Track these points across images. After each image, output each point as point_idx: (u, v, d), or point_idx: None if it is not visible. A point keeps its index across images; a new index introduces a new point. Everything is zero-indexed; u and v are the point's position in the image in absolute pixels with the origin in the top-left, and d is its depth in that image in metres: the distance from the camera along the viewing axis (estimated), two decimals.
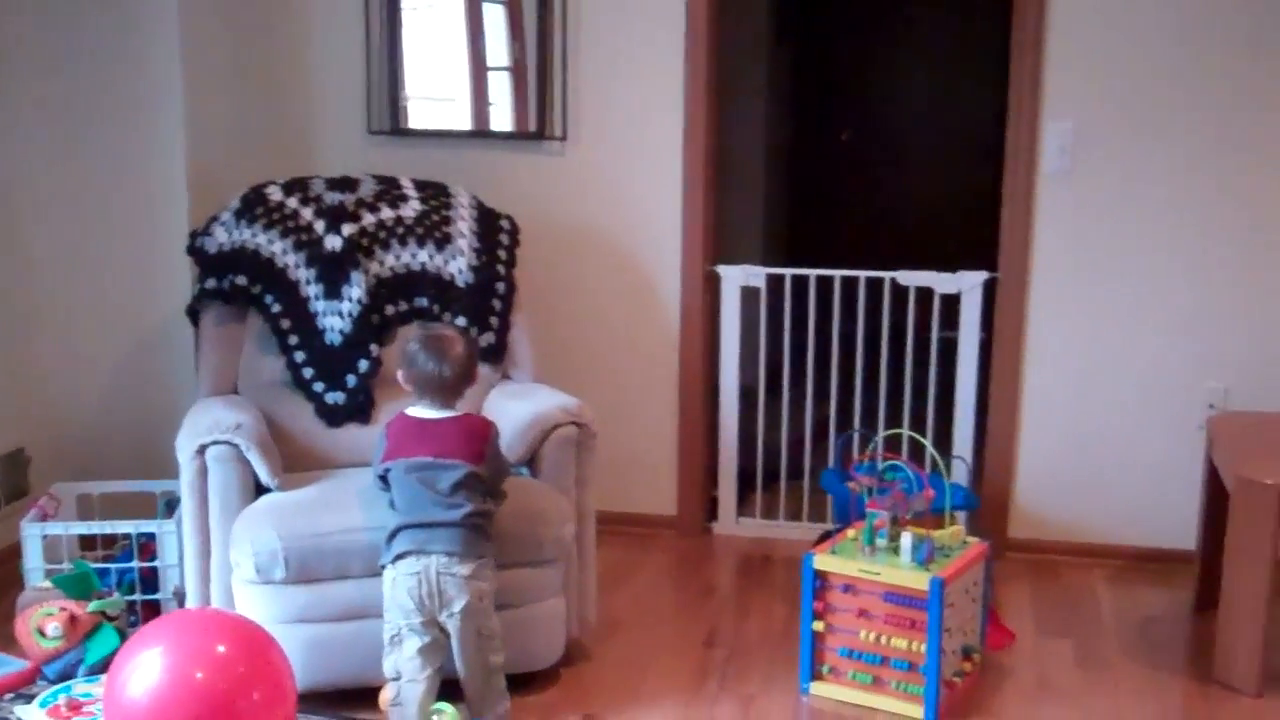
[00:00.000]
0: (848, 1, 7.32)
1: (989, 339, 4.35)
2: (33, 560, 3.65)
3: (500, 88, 4.58)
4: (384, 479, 3.21)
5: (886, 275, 4.42)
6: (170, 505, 3.79)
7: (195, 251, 3.85)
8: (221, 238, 3.80)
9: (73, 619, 3.39)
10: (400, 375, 3.28)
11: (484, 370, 3.80)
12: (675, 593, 4.21)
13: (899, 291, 4.41)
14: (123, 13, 4.02)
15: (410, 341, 3.27)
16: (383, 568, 3.12)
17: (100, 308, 4.19)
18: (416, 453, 3.15)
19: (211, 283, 3.77)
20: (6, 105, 4.03)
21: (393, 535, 3.11)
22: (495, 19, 4.54)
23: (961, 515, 4.17)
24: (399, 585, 3.07)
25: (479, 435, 3.23)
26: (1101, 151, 4.16)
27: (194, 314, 3.84)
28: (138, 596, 3.66)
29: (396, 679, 3.08)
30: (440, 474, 3.12)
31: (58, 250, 4.16)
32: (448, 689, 3.12)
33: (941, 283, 4.37)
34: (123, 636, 3.31)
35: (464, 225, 3.94)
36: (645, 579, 4.24)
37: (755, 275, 4.51)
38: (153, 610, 3.64)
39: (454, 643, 3.10)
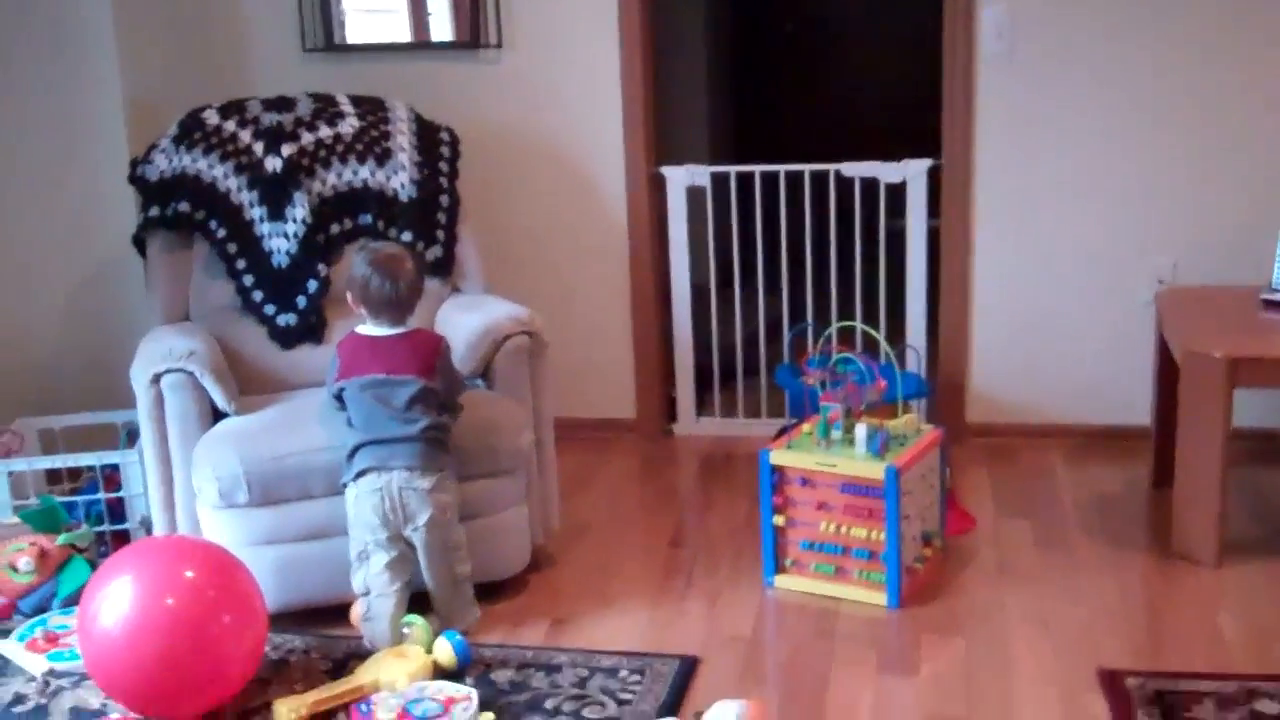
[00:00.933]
0: None
1: (936, 227, 4.38)
2: None
3: None
4: (339, 398, 3.24)
5: (831, 167, 4.43)
6: (132, 435, 3.80)
7: (137, 180, 3.83)
8: (162, 165, 3.78)
9: (43, 553, 3.43)
10: (350, 297, 3.29)
11: (434, 284, 3.81)
12: (638, 495, 4.26)
13: (845, 183, 4.43)
14: None
15: (357, 263, 3.28)
16: (344, 486, 3.16)
17: (48, 241, 4.17)
18: (369, 370, 3.18)
19: (155, 211, 3.76)
20: None
21: (352, 453, 3.14)
22: None
23: (918, 404, 4.24)
24: (362, 502, 3.11)
25: (429, 349, 3.25)
26: (1038, 33, 4.16)
27: (140, 243, 3.83)
28: (106, 527, 3.68)
29: (366, 594, 3.13)
30: (394, 390, 3.15)
31: None
32: (417, 602, 3.18)
33: (886, 172, 4.38)
34: (93, 568, 3.33)
35: (403, 139, 3.92)
36: (607, 483, 4.30)
37: (700, 175, 4.51)
38: (121, 540, 3.66)
39: (420, 556, 3.16)
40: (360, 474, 3.12)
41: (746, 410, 4.68)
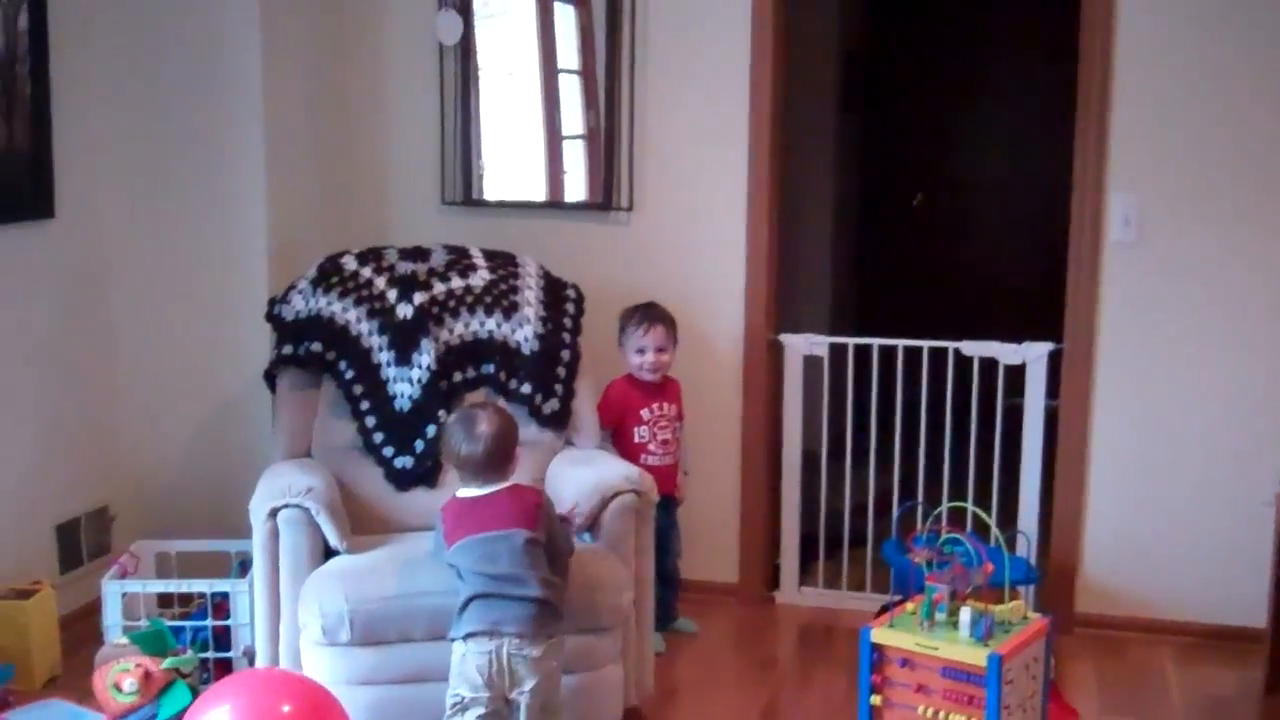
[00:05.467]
0: (919, 67, 7.35)
1: (1053, 411, 4.34)
2: (111, 616, 3.77)
3: (575, 157, 4.69)
4: (449, 563, 3.23)
5: (951, 345, 4.44)
6: (244, 565, 3.88)
7: (273, 318, 3.97)
8: (299, 305, 3.92)
9: (147, 675, 3.49)
10: (447, 460, 3.36)
11: (547, 436, 3.88)
12: (735, 662, 4.22)
13: (963, 360, 4.43)
14: (208, 86, 4.18)
15: (449, 426, 3.34)
16: (452, 640, 3.16)
17: (182, 372, 4.33)
18: (470, 531, 3.20)
19: (288, 349, 3.89)
20: (95, 175, 4.19)
21: (464, 608, 3.14)
22: (570, 88, 4.65)
23: (1025, 590, 4.15)
24: (468, 661, 3.11)
25: (530, 501, 3.27)
26: (1168, 224, 4.16)
27: (271, 379, 3.95)
28: (210, 654, 3.75)
29: None
30: (498, 545, 3.16)
31: (143, 316, 4.31)
32: None
33: (1006, 354, 4.37)
34: (195, 694, 3.39)
35: (530, 294, 4.02)
36: (705, 647, 4.26)
37: (819, 344, 4.54)
38: (224, 668, 3.73)
39: (519, 717, 3.15)
40: (470, 635, 3.13)
41: (850, 583, 4.63)
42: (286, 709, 2.87)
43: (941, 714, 3.25)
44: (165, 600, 3.98)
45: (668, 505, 4.14)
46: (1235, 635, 4.20)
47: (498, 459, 3.28)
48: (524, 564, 3.14)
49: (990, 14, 7.14)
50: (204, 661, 3.72)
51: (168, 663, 3.54)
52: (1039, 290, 4.95)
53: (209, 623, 3.76)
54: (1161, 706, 3.81)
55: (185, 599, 3.98)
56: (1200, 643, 4.24)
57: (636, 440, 4.17)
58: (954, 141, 7.50)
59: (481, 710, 3.11)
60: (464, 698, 3.12)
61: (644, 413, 4.18)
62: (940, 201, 7.55)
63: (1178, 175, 4.14)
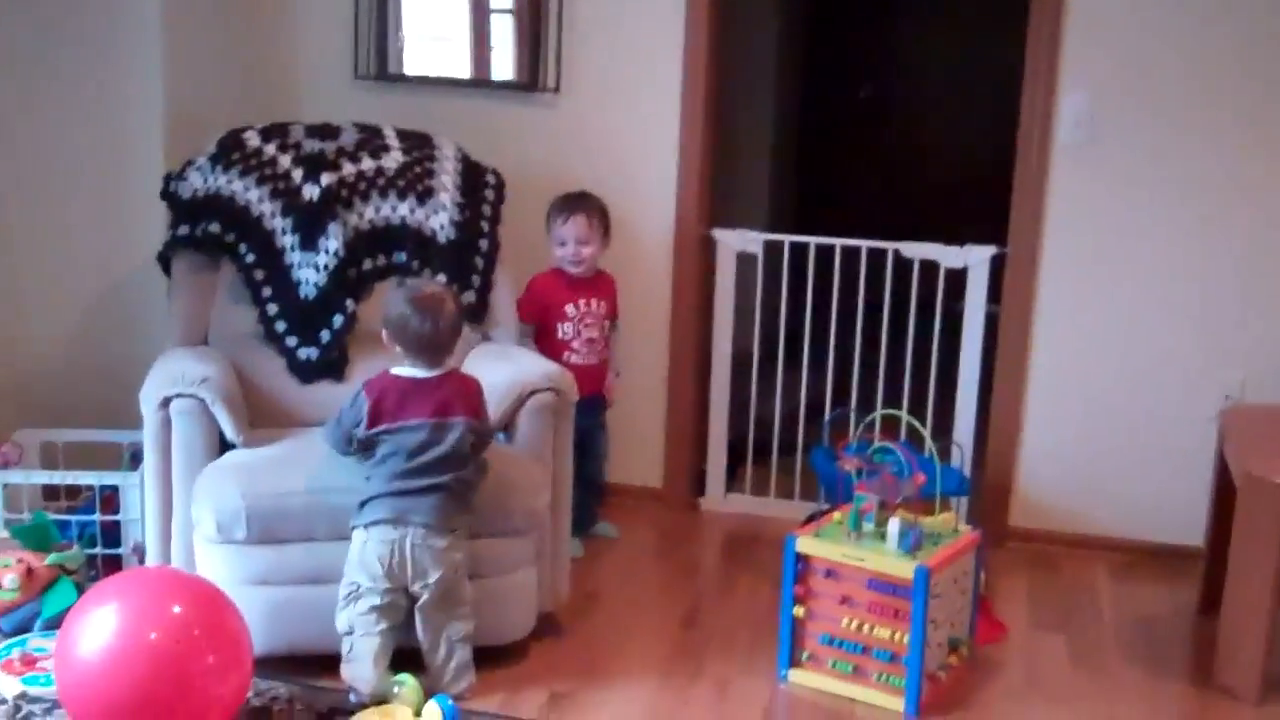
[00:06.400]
0: None
1: (994, 317, 4.38)
2: None
3: (503, 32, 4.60)
4: (364, 442, 3.24)
5: (890, 246, 4.44)
6: (135, 457, 3.84)
7: (169, 196, 3.89)
8: (196, 183, 3.84)
9: (30, 571, 3.46)
10: (386, 335, 3.31)
11: (464, 331, 3.84)
12: (656, 569, 4.26)
13: (903, 263, 4.44)
14: None
15: (396, 300, 3.30)
16: (353, 529, 3.18)
17: (69, 251, 4.22)
18: (415, 414, 3.20)
19: (184, 229, 3.81)
20: None
21: (369, 499, 3.17)
22: None
23: (957, 502, 4.21)
24: (369, 549, 3.14)
25: (474, 392, 3.31)
26: (1120, 126, 4.16)
27: (165, 261, 3.88)
28: (98, 551, 3.71)
29: (349, 633, 3.15)
30: (441, 434, 3.18)
31: (24, 187, 4.17)
32: (408, 662, 3.19)
33: (947, 256, 4.39)
34: (81, 591, 3.35)
35: (447, 179, 3.97)
36: (626, 553, 4.29)
37: (753, 241, 4.53)
38: (113, 566, 3.69)
39: (421, 612, 3.18)
40: (373, 523, 3.14)
41: (778, 490, 4.67)
42: (177, 610, 2.85)
43: (866, 626, 3.32)
44: (51, 493, 3.92)
45: (593, 406, 4.14)
46: (1171, 554, 4.29)
47: (448, 342, 3.29)
48: (459, 453, 3.18)
49: None
50: (91, 558, 3.68)
51: (52, 558, 3.50)
52: (985, 191, 4.94)
53: (97, 517, 3.72)
54: (1093, 623, 3.88)
55: (72, 492, 3.93)
56: (1135, 560, 4.33)
57: (560, 337, 4.15)
58: (904, 28, 7.46)
59: (376, 600, 3.13)
60: (359, 586, 3.14)
61: (569, 309, 4.16)
62: (889, 95, 7.52)
63: (1133, 76, 4.13)
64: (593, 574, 4.02)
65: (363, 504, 3.18)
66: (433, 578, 3.15)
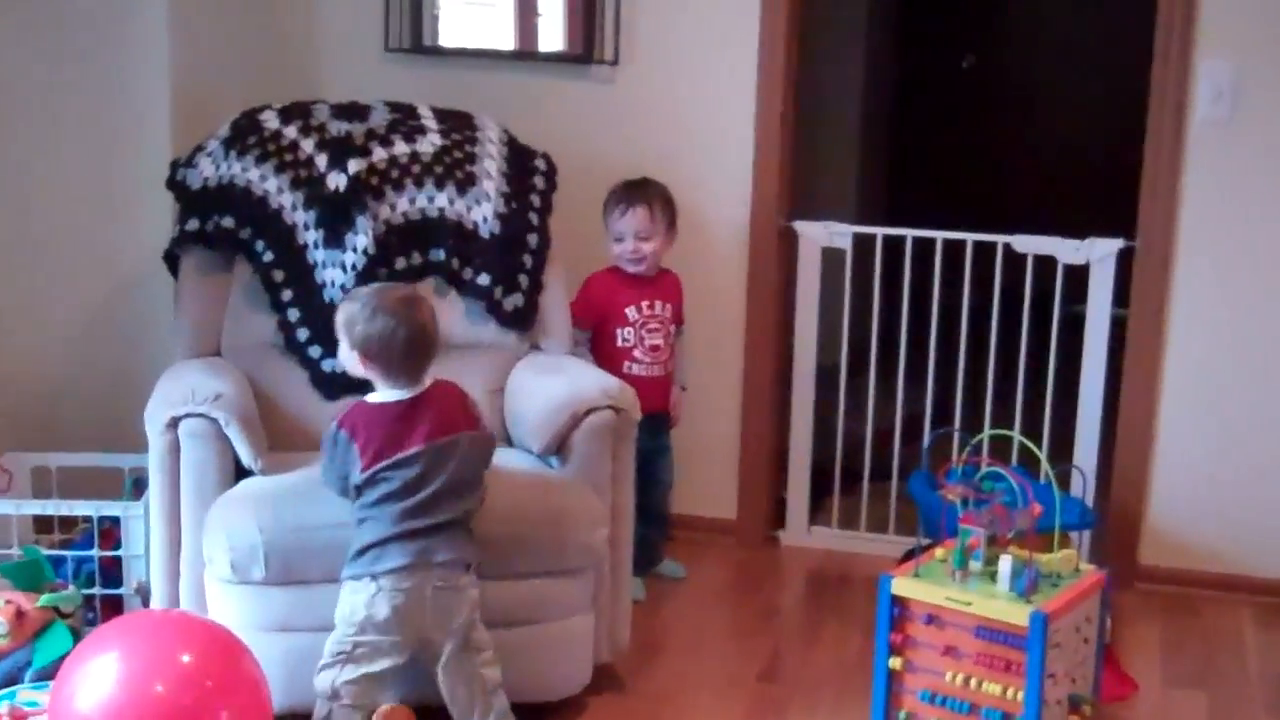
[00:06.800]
0: None
1: (1121, 321, 4.34)
2: None
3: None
4: (361, 487, 3.19)
5: (1000, 239, 4.42)
6: (138, 485, 3.88)
7: (176, 185, 3.93)
8: (207, 171, 3.87)
9: (19, 614, 3.48)
10: (360, 359, 3.22)
11: (509, 339, 3.88)
12: (729, 614, 4.26)
13: (1015, 259, 4.41)
14: None
15: (361, 315, 3.20)
16: (348, 580, 3.16)
17: (65, 250, 4.27)
18: (411, 443, 3.17)
19: (194, 224, 3.85)
20: None
21: (372, 545, 3.14)
22: None
23: (1079, 537, 4.17)
24: (380, 601, 3.11)
25: (465, 398, 3.31)
26: (1267, 99, 4.13)
27: (173, 260, 3.92)
28: (97, 590, 3.74)
29: (332, 699, 3.13)
30: (446, 457, 3.17)
31: (19, 178, 4.22)
32: None
33: (1066, 251, 4.36)
34: (77, 638, 3.38)
35: (491, 164, 3.99)
36: (694, 596, 4.29)
37: (841, 234, 4.53)
38: (113, 608, 3.73)
39: (443, 669, 3.17)
40: (388, 571, 3.12)
41: (870, 523, 4.66)
42: (186, 659, 2.87)
43: (973, 681, 3.29)
44: (44, 525, 3.96)
45: (656, 425, 4.14)
46: None
47: (431, 351, 3.27)
48: (471, 476, 3.21)
49: None
50: (89, 599, 3.71)
51: (44, 599, 3.53)
52: (1109, 176, 4.91)
53: (95, 552, 3.75)
54: (1237, 678, 3.86)
55: (67, 524, 3.96)
56: None
57: (619, 344, 4.16)
58: None
59: (381, 666, 3.13)
60: (356, 647, 3.13)
61: (629, 311, 4.16)
62: (997, 67, 7.50)
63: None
64: (657, 620, 4.03)
65: (361, 551, 3.15)
66: (457, 622, 3.15)
